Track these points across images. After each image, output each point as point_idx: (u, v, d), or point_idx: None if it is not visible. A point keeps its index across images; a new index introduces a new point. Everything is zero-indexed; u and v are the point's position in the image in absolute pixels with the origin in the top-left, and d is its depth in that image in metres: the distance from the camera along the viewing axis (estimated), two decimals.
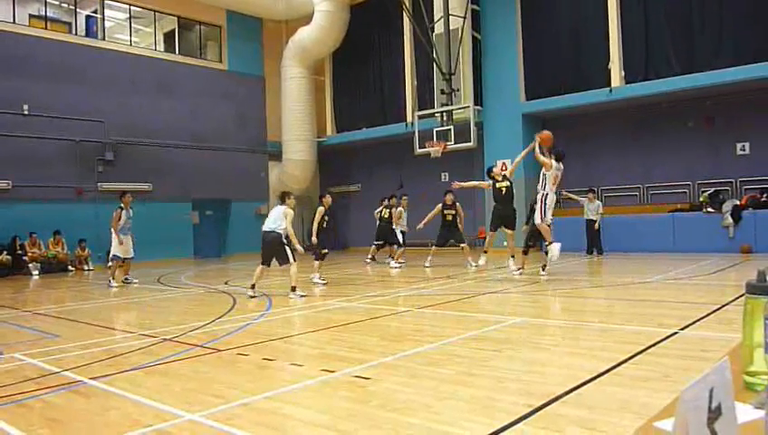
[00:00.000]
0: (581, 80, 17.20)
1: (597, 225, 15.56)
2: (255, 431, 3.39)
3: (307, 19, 22.10)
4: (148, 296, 10.88)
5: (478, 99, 18.91)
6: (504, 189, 11.68)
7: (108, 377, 4.80)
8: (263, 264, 9.89)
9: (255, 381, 4.61)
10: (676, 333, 5.65)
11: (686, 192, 16.74)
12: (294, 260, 9.67)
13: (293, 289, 9.56)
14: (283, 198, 10.17)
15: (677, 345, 5.19)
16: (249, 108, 23.09)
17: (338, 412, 3.74)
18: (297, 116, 22.66)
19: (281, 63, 22.80)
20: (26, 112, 17.30)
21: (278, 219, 9.82)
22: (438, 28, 19.04)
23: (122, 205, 12.70)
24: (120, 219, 12.57)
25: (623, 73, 16.59)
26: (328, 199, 11.91)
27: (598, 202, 15.87)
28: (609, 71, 16.64)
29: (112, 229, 12.62)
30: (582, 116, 18.34)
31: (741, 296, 6.52)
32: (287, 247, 9.75)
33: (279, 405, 3.93)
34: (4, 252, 16.49)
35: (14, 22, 17.79)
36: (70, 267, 17.32)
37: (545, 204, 10.74)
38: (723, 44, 15.10)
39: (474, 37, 18.94)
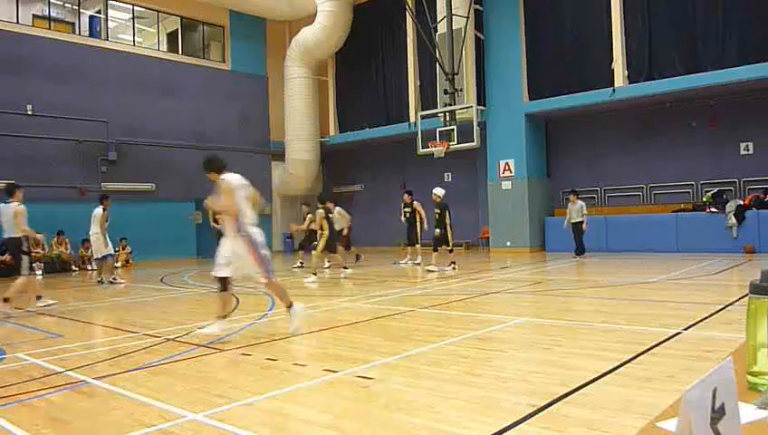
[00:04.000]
0: (585, 79, 17.17)
1: (584, 226, 15.23)
2: (259, 431, 3.39)
3: (310, 19, 22.12)
4: (151, 296, 10.89)
5: (481, 99, 18.90)
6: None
7: (111, 377, 4.81)
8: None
9: (258, 381, 4.61)
10: (679, 333, 5.64)
11: (689, 192, 16.71)
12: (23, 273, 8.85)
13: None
14: (11, 191, 9.17)
15: (681, 346, 5.18)
16: (252, 108, 23.12)
17: (341, 412, 3.74)
18: (300, 116, 22.68)
19: (284, 63, 22.82)
20: (30, 112, 17.34)
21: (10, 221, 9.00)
22: (441, 28, 19.04)
23: (104, 206, 12.93)
24: (107, 220, 12.84)
25: (626, 73, 16.56)
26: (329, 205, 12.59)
27: (580, 203, 15.41)
28: (613, 70, 16.61)
29: (101, 230, 12.78)
30: (586, 116, 18.32)
31: (745, 297, 6.51)
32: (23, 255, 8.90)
33: (282, 405, 3.93)
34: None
35: (17, 22, 17.84)
36: (73, 267, 17.36)
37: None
38: (726, 44, 15.06)
39: (477, 37, 18.93)
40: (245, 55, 23.16)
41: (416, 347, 5.50)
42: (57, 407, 4.14)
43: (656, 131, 17.25)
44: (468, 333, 6.12)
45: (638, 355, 4.80)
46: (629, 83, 16.46)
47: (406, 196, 14.89)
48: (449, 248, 13.17)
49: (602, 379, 4.18)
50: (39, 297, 9.45)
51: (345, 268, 13.18)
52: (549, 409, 3.57)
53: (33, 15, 18.52)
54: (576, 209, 15.22)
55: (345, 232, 15.55)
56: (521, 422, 3.35)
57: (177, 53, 21.80)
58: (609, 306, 7.74)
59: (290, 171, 23.02)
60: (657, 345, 5.13)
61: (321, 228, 13.07)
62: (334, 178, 25.32)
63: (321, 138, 23.55)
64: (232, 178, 6.62)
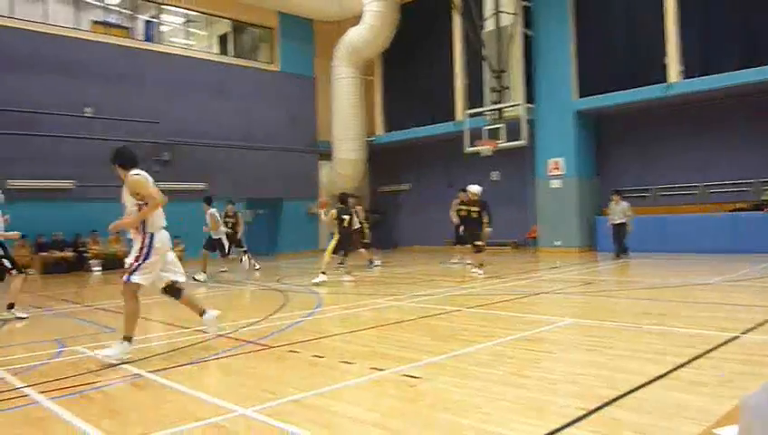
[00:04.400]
0: (636, 75, 16.74)
1: (629, 227, 14.83)
2: (306, 428, 3.44)
3: (357, 19, 22.24)
4: (202, 293, 11.15)
5: (529, 96, 18.64)
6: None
7: (165, 371, 4.94)
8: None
9: (306, 377, 4.67)
10: (737, 337, 5.45)
11: (747, 191, 16.09)
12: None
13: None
14: None
15: (739, 350, 5.00)
16: (300, 108, 23.39)
17: (387, 411, 3.75)
18: (347, 116, 22.83)
19: (331, 64, 23.01)
20: (88, 114, 17.95)
21: None
22: (489, 26, 18.86)
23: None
24: None
25: (681, 68, 16.07)
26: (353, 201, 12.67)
27: (625, 204, 15.03)
28: (666, 65, 16.14)
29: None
30: (638, 113, 17.86)
31: None
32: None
33: (329, 402, 3.97)
34: (68, 249, 17.22)
35: (76, 28, 18.53)
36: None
37: None
38: None
39: (525, 34, 18.67)
40: (294, 56, 23.45)
41: (462, 347, 5.47)
42: (113, 399, 4.29)
43: (712, 128, 16.68)
44: (516, 333, 6.05)
45: (694, 359, 4.65)
46: (684, 79, 15.97)
47: (463, 194, 14.10)
48: (477, 249, 12.36)
49: (655, 382, 4.07)
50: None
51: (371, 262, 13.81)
52: (598, 412, 3.51)
53: (92, 21, 19.20)
54: (619, 210, 14.93)
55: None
56: (570, 425, 3.30)
57: (228, 55, 22.26)
58: (662, 308, 7.52)
59: (337, 171, 23.20)
60: (713, 349, 4.96)
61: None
62: (381, 177, 25.40)
63: (368, 137, 23.65)
64: (142, 174, 5.80)
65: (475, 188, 12.30)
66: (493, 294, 9.42)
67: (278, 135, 22.45)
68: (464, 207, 12.66)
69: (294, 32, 23.42)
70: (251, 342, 6.06)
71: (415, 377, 4.46)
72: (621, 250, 15.02)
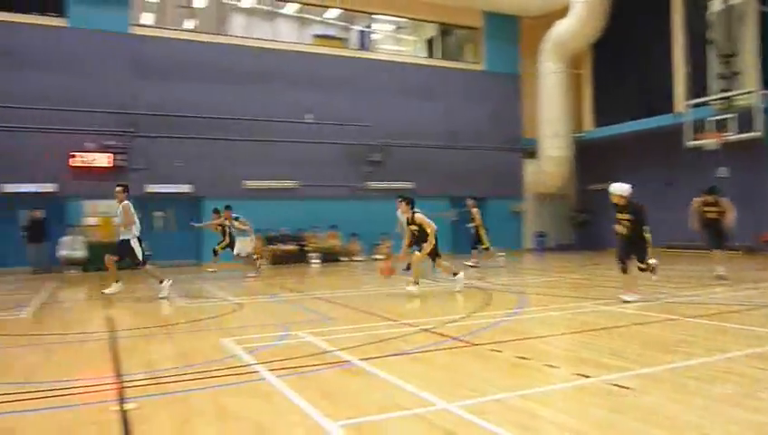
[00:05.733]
0: None
1: None
2: (509, 429, 3.42)
3: (564, 12, 21.44)
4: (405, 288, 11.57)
5: (765, 81, 16.42)
6: None
7: (373, 359, 5.24)
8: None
9: (509, 378, 4.63)
10: None
11: None
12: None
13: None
14: None
15: None
16: (504, 106, 23.19)
17: (593, 420, 3.58)
18: (554, 112, 22.13)
19: (537, 60, 22.46)
20: (309, 121, 19.63)
21: None
22: (715, 5, 16.98)
23: None
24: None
25: None
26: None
27: None
28: None
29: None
30: None
31: None
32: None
33: (531, 405, 3.90)
34: (292, 243, 19.01)
35: (299, 42, 20.44)
36: (342, 258, 19.25)
37: None
38: None
39: (762, 12, 16.47)
40: (499, 54, 23.31)
41: (682, 359, 5.01)
42: (328, 382, 4.65)
43: None
44: (747, 349, 5.39)
45: None
46: None
47: (710, 196, 11.69)
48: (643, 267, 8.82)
49: None
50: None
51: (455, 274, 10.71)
52: None
53: (314, 36, 21.07)
54: None
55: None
56: None
57: (434, 57, 22.88)
58: None
59: (542, 169, 22.61)
60: None
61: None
62: (588, 175, 24.18)
63: (575, 133, 22.67)
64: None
65: (618, 188, 9.03)
66: (718, 303, 8.48)
67: (482, 134, 22.49)
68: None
69: (499, 30, 23.27)
70: (454, 338, 6.17)
71: (625, 387, 4.19)
72: None
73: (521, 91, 23.53)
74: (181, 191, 17.96)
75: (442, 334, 6.39)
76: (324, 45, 20.82)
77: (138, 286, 11.78)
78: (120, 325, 7.72)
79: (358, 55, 21.32)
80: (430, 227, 9.99)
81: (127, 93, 17.33)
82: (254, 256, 14.79)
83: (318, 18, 21.50)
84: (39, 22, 16.91)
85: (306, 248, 18.96)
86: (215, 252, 14.92)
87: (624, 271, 8.76)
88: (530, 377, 4.66)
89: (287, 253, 18.63)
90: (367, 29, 22.19)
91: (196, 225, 15.77)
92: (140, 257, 10.11)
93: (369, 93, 20.74)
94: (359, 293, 11.11)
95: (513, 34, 23.62)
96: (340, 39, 21.59)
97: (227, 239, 14.60)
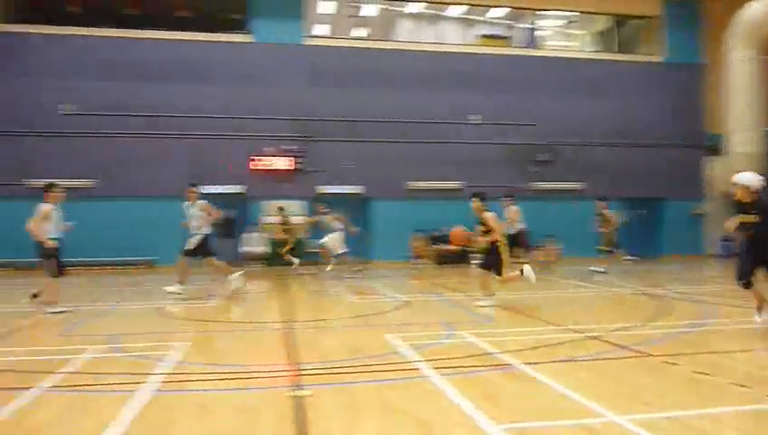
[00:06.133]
0: None
1: None
2: None
3: None
4: (571, 292, 11.16)
5: None
6: None
7: (536, 365, 5.13)
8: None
9: (686, 394, 4.30)
10: None
11: None
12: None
13: None
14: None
15: None
16: (685, 99, 21.37)
17: None
18: (744, 104, 19.97)
19: (724, 47, 20.42)
20: (475, 122, 19.56)
21: None
22: None
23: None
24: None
25: None
26: None
27: None
28: None
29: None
30: None
31: None
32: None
33: (713, 427, 3.59)
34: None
35: (464, 44, 20.51)
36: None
37: None
38: None
39: None
40: (679, 44, 21.53)
41: None
42: (491, 384, 4.64)
43: None
44: None
45: None
46: None
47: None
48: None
49: None
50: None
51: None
52: None
53: (480, 36, 21.05)
54: None
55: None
56: None
57: (605, 51, 21.74)
58: None
59: (730, 167, 20.49)
60: None
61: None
62: None
63: None
64: None
65: (746, 178, 7.18)
66: None
67: (659, 130, 20.92)
68: None
69: (680, 16, 21.48)
70: (626, 347, 5.84)
71: None
72: None
73: (703, 82, 21.54)
74: (351, 192, 18.82)
75: (611, 343, 6.07)
76: (490, 45, 20.68)
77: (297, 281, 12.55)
78: (295, 317, 8.32)
79: (524, 53, 20.86)
80: (499, 231, 8.93)
81: (302, 100, 18.56)
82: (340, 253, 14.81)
83: (482, 18, 21.41)
84: (228, 39, 18.71)
85: (469, 249, 18.94)
86: (287, 255, 15.35)
87: (748, 286, 6.80)
88: (711, 395, 4.29)
89: (450, 253, 18.73)
90: (533, 26, 21.65)
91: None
92: (211, 252, 10.57)
93: (536, 91, 20.21)
94: (520, 295, 10.89)
95: (695, 20, 21.70)
96: (505, 38, 21.32)
97: (290, 239, 15.26)
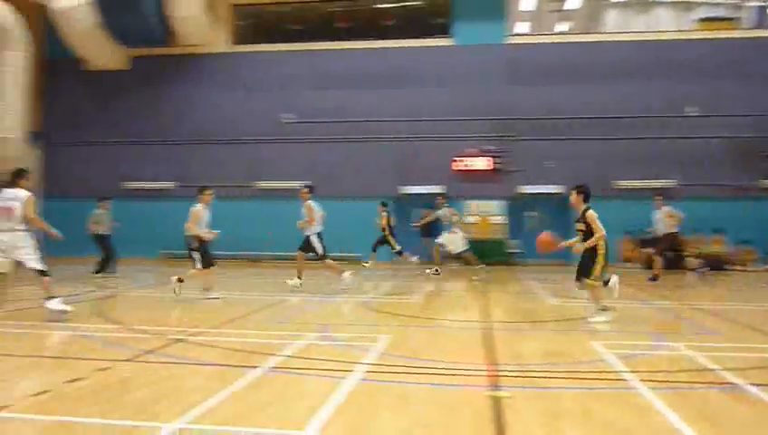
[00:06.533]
0: None
1: None
2: None
3: None
4: None
5: None
6: None
7: (765, 387, 4.55)
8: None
9: None
10: None
11: None
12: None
13: None
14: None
15: None
16: None
17: None
18: None
19: None
20: (693, 114, 17.75)
21: None
22: None
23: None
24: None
25: None
26: None
27: None
28: None
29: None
30: None
31: None
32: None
33: None
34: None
35: (681, 30, 18.71)
36: (726, 266, 16.96)
37: None
38: None
39: None
40: None
41: None
42: (710, 404, 4.23)
43: None
44: None
45: None
46: None
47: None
48: None
49: None
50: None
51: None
52: None
53: (699, 20, 19.07)
54: None
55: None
56: None
57: None
58: None
59: None
60: None
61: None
62: None
63: None
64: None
65: None
66: None
67: None
68: None
69: None
70: None
71: None
72: None
73: None
74: (552, 192, 18.21)
75: None
76: (711, 29, 18.63)
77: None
78: (493, 317, 8.32)
79: (752, 35, 18.47)
80: (600, 231, 7.44)
81: (503, 100, 18.42)
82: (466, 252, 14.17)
83: (702, 0, 19.40)
84: (431, 44, 19.23)
85: (684, 254, 17.29)
86: (399, 253, 14.70)
87: None
88: None
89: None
90: (764, 2, 19.08)
91: (418, 224, 15.77)
92: (320, 252, 10.66)
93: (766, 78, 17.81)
94: (749, 307, 9.72)
95: None
96: (730, 19, 19.07)
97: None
